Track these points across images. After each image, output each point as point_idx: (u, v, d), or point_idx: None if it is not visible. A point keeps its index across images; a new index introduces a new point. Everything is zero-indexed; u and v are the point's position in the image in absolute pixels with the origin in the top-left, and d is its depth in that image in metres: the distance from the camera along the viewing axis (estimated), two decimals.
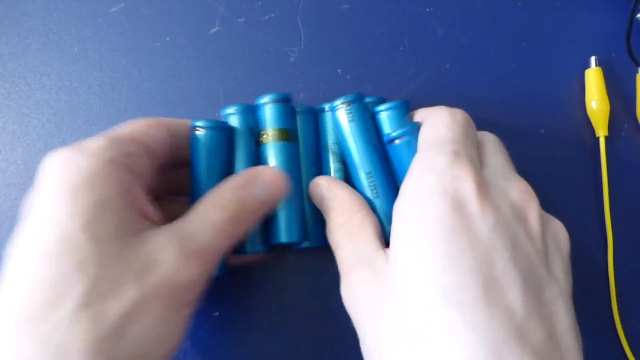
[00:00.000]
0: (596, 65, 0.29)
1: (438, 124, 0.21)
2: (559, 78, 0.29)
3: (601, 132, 0.28)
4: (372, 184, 0.23)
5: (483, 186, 0.19)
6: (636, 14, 0.29)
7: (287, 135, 0.24)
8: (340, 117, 0.23)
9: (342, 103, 0.23)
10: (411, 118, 0.24)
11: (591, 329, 0.27)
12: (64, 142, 0.28)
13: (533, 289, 0.17)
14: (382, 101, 0.25)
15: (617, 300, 0.27)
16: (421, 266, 0.17)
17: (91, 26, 0.29)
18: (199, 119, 0.23)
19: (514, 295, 0.17)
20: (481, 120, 0.29)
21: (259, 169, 0.23)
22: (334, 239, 0.22)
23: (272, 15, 0.29)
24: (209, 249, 0.19)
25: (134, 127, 0.21)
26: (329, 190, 0.23)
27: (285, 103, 0.24)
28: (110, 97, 0.28)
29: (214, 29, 0.29)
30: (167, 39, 0.29)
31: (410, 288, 0.18)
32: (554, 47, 0.29)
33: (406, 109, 0.24)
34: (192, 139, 0.23)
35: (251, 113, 0.24)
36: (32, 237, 0.17)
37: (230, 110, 0.24)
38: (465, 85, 0.29)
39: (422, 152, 0.21)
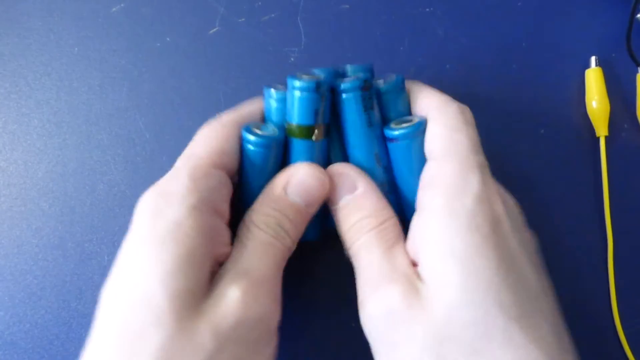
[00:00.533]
0: (596, 65, 0.29)
1: (451, 126, 0.20)
2: (559, 78, 0.29)
3: (601, 132, 0.28)
4: (384, 177, 0.22)
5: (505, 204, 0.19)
6: (636, 14, 0.29)
7: (309, 132, 0.22)
8: (356, 102, 0.21)
9: (359, 86, 0.21)
10: (408, 96, 0.23)
11: (591, 329, 0.27)
12: (64, 142, 0.28)
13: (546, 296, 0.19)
14: (369, 70, 0.24)
15: (617, 300, 0.27)
16: (478, 286, 0.17)
17: (91, 26, 0.29)
18: (250, 128, 0.22)
19: (548, 304, 0.18)
20: (481, 120, 0.29)
21: (292, 170, 0.21)
22: (357, 241, 0.20)
23: (272, 15, 0.29)
24: (268, 274, 0.19)
25: (213, 144, 0.21)
26: (355, 183, 0.21)
27: (312, 93, 0.21)
28: (110, 97, 0.28)
29: (214, 29, 0.29)
30: (167, 39, 0.29)
31: (464, 307, 0.17)
32: (554, 47, 0.29)
33: (403, 86, 0.23)
34: (243, 149, 0.22)
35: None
36: (118, 288, 0.18)
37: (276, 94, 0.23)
38: (465, 85, 0.29)
39: (444, 162, 0.20)
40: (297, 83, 0.21)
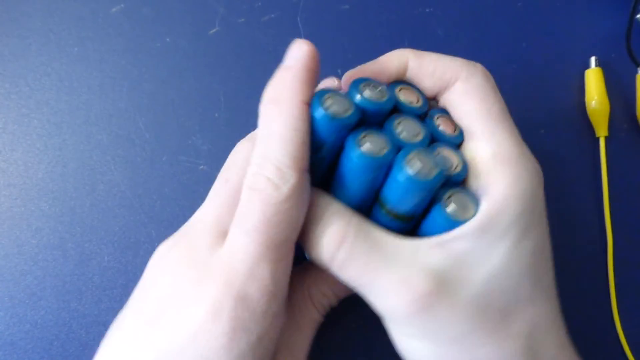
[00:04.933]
0: (596, 66, 0.29)
1: (487, 107, 0.19)
2: (559, 78, 0.29)
3: (601, 132, 0.28)
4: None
5: None
6: (636, 14, 0.29)
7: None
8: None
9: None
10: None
11: (591, 329, 0.27)
12: (63, 142, 0.28)
13: None
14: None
15: (617, 300, 0.27)
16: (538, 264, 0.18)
17: (91, 26, 0.29)
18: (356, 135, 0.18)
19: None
20: None
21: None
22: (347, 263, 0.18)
23: (272, 15, 0.29)
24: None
25: (289, 222, 0.17)
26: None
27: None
28: (110, 97, 0.28)
29: (214, 30, 0.29)
30: (167, 39, 0.29)
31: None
32: (554, 47, 0.29)
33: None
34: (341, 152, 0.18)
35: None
36: None
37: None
38: None
39: (492, 144, 0.19)
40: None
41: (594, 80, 0.28)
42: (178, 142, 0.28)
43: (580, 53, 0.29)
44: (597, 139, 0.28)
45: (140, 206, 0.27)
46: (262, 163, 0.17)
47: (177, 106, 0.28)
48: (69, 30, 0.29)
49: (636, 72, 0.29)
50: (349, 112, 0.17)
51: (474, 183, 0.18)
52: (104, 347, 0.18)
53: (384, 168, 0.18)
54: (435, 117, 0.20)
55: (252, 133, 0.20)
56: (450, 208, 0.17)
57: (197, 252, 0.18)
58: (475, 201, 0.18)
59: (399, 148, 0.18)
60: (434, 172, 0.17)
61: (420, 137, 0.18)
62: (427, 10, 0.30)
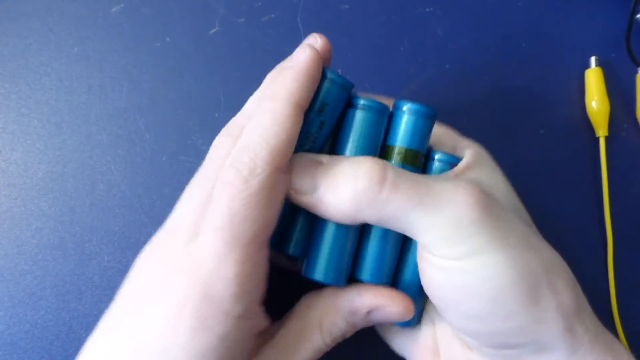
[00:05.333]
0: (596, 66, 0.29)
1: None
2: (559, 78, 0.29)
3: (601, 132, 0.28)
4: None
5: None
6: (636, 14, 0.29)
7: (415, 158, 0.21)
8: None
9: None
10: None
11: None
12: (63, 142, 0.28)
13: None
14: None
15: (617, 300, 0.27)
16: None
17: (91, 26, 0.29)
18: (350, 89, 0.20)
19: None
20: (481, 120, 0.29)
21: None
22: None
23: (272, 15, 0.29)
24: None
25: (264, 215, 0.17)
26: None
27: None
28: (110, 97, 0.28)
29: (214, 30, 0.29)
30: (167, 39, 0.29)
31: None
32: (554, 47, 0.29)
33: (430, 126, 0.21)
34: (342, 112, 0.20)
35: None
36: None
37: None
38: (465, 85, 0.29)
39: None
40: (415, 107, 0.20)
41: (594, 80, 0.28)
42: (178, 142, 0.28)
43: (580, 53, 0.29)
44: (597, 139, 0.28)
45: (140, 206, 0.27)
46: (239, 155, 0.17)
47: (177, 106, 0.28)
48: (69, 30, 0.29)
49: (636, 72, 0.29)
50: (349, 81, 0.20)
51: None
52: (93, 335, 0.18)
53: (385, 113, 0.20)
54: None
55: (229, 125, 0.19)
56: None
57: (172, 249, 0.18)
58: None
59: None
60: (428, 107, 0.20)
61: None
62: (427, 10, 0.30)
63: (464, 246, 0.17)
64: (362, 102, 0.20)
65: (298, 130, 0.18)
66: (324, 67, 0.19)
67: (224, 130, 0.19)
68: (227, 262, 0.16)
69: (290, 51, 0.19)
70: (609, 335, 0.19)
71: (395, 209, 0.17)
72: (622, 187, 0.28)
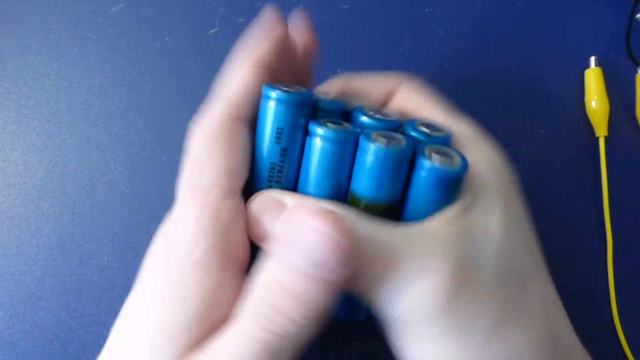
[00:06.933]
0: (596, 65, 0.29)
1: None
2: (559, 78, 0.29)
3: (601, 132, 0.28)
4: None
5: None
6: (636, 14, 0.29)
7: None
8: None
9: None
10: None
11: (591, 329, 0.27)
12: (63, 142, 0.28)
13: None
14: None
15: (617, 300, 0.27)
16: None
17: (91, 26, 0.29)
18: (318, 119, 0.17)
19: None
20: (481, 120, 0.29)
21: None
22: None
23: None
24: None
25: (221, 163, 0.17)
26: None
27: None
28: (110, 97, 0.28)
29: (214, 29, 0.29)
30: (167, 39, 0.29)
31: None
32: (554, 47, 0.29)
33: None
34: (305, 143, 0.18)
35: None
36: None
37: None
38: (465, 85, 0.29)
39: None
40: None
41: (593, 80, 0.28)
42: (178, 142, 0.28)
43: (580, 53, 0.29)
44: (597, 139, 0.28)
45: (140, 206, 0.27)
46: (203, 110, 0.18)
47: (177, 106, 0.28)
48: (69, 30, 0.29)
49: (636, 72, 0.29)
50: (302, 91, 0.17)
51: None
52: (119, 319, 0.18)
53: (350, 141, 0.17)
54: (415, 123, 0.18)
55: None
56: (436, 159, 0.16)
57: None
58: (455, 151, 0.17)
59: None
60: (403, 143, 0.16)
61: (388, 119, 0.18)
62: (427, 10, 0.30)
63: (423, 333, 0.16)
64: (319, 130, 0.17)
65: (257, 83, 0.18)
66: (270, 86, 0.17)
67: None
68: (188, 207, 0.17)
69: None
70: None
71: (357, 281, 0.16)
72: (621, 187, 0.28)
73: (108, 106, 0.28)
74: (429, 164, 0.16)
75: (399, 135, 0.16)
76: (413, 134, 0.17)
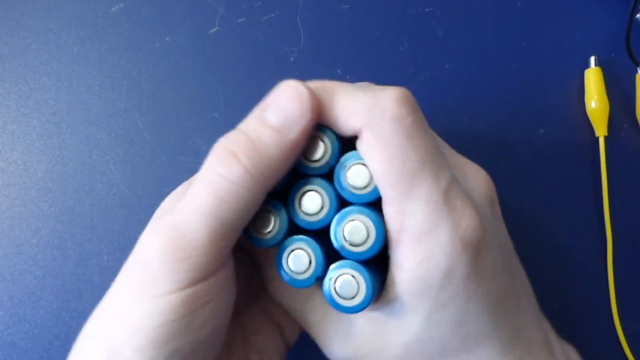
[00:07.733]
0: (596, 65, 0.29)
1: (392, 154, 0.16)
2: (559, 78, 0.29)
3: (601, 132, 0.28)
4: None
5: None
6: (636, 14, 0.29)
7: None
8: None
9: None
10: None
11: (591, 329, 0.27)
12: (63, 142, 0.28)
13: None
14: None
15: (617, 301, 0.27)
16: None
17: (91, 26, 0.29)
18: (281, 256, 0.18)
19: None
20: (481, 120, 0.29)
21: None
22: None
23: (272, 15, 0.29)
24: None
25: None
26: None
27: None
28: (110, 97, 0.28)
29: (214, 29, 0.29)
30: (167, 39, 0.29)
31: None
32: (554, 47, 0.29)
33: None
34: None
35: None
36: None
37: None
38: (465, 85, 0.29)
39: (404, 206, 0.16)
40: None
41: (593, 80, 0.28)
42: (178, 142, 0.28)
43: (580, 53, 0.29)
44: (597, 139, 0.28)
45: (140, 206, 0.27)
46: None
47: (177, 106, 0.28)
48: (69, 30, 0.29)
49: (636, 71, 0.29)
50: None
51: (388, 249, 0.17)
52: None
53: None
54: (348, 166, 0.17)
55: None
56: (338, 284, 0.17)
57: None
58: (366, 277, 0.17)
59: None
60: (306, 275, 0.17)
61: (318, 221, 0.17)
62: (427, 10, 0.30)
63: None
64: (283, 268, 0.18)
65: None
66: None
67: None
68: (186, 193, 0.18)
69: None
70: None
71: None
72: (621, 187, 0.28)
73: (108, 106, 0.28)
74: (328, 293, 0.17)
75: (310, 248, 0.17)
76: (340, 192, 0.17)
